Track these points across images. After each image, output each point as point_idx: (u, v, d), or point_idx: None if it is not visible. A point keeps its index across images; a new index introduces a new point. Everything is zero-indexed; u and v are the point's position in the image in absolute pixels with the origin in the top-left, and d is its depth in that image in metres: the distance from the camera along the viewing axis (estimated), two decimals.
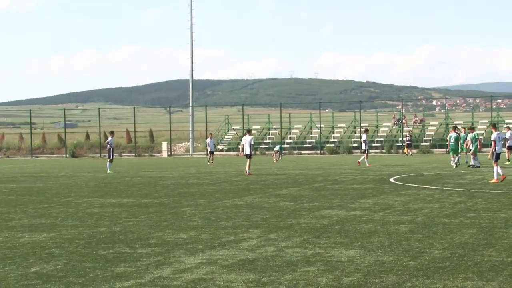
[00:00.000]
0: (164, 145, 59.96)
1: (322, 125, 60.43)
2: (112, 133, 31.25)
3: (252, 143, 27.26)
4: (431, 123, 61.29)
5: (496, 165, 19.40)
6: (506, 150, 31.55)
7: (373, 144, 55.90)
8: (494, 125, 20.65)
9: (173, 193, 18.29)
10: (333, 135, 60.52)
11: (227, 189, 19.22)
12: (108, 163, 30.31)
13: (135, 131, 62.10)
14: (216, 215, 12.90)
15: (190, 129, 63.15)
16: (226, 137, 64.29)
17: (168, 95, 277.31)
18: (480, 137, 32.01)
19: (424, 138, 55.98)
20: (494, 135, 19.86)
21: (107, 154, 30.98)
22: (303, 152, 57.20)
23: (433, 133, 57.01)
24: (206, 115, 60.95)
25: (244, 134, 27.40)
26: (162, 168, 34.09)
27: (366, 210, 13.26)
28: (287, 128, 63.98)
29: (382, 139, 57.45)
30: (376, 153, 53.71)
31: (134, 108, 66.01)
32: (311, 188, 19.00)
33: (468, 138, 29.47)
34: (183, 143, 66.52)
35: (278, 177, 24.69)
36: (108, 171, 29.78)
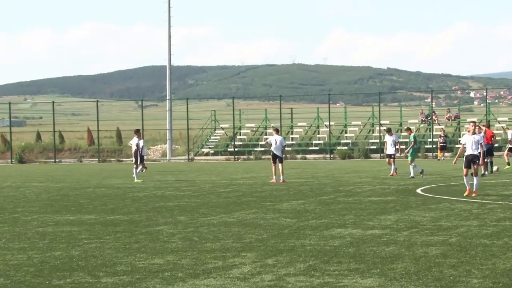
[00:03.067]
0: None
1: (332, 123, 60.54)
2: (138, 132, 30.93)
3: (284, 144, 27.83)
4: (468, 119, 61.42)
5: None
6: (506, 153, 31.91)
7: (396, 147, 55.89)
8: None
9: (146, 207, 18.27)
10: (345, 135, 60.64)
11: (214, 203, 19.21)
12: (134, 169, 30.23)
13: (98, 130, 62.05)
14: (200, 235, 12.89)
15: (168, 128, 63.13)
16: (212, 137, 64.32)
17: (140, 85, 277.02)
18: None
19: (459, 139, 56.06)
20: None
21: (133, 158, 30.69)
22: (308, 156, 57.26)
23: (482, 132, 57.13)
24: (187, 110, 60.96)
25: (271, 134, 27.69)
26: (132, 177, 34.03)
27: (387, 228, 13.28)
28: (288, 126, 64.04)
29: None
30: (398, 157, 53.73)
31: (97, 101, 66.01)
32: (318, 201, 19.00)
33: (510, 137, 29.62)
34: (159, 146, 66.56)
35: (278, 187, 24.66)
36: (136, 180, 29.71)
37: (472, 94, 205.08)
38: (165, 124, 63.77)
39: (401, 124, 61.18)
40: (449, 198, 19.22)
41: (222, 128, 64.87)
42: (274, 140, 27.67)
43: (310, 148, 59.11)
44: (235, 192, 22.97)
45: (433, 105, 62.45)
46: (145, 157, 31.67)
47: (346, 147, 57.18)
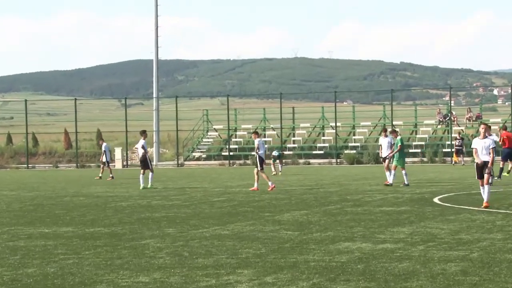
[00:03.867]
0: (118, 152, 59.91)
1: (338, 124, 60.59)
2: (144, 133, 30.94)
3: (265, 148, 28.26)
4: (492, 120, 61.56)
5: None
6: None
7: (411, 150, 56.07)
8: None
9: (130, 219, 18.26)
10: (353, 137, 60.72)
11: (206, 213, 19.20)
12: (141, 175, 30.20)
13: (76, 132, 62.05)
14: (190, 249, 12.89)
15: (155, 129, 63.18)
16: (204, 140, 64.36)
17: (123, 81, 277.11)
18: None
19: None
20: None
21: (141, 164, 30.81)
22: (312, 161, 57.29)
23: (494, 134, 57.13)
24: (176, 110, 60.97)
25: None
26: (115, 184, 34.00)
27: (401, 242, 13.28)
28: (289, 127, 64.08)
29: (422, 142, 57.71)
30: (414, 162, 53.88)
31: (75, 100, 66.02)
32: (323, 212, 19.00)
33: None
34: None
35: (278, 196, 24.66)
36: (149, 185, 29.84)
37: (495, 92, 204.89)
38: (152, 125, 63.81)
39: (415, 125, 61.31)
40: (470, 208, 19.21)
41: (216, 130, 64.92)
42: (257, 143, 28.06)
43: (314, 152, 59.16)
44: (230, 201, 22.95)
45: (452, 104, 62.51)
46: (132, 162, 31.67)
47: (354, 151, 57.23)
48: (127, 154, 60.70)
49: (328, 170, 45.82)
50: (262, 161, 27.93)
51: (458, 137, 50.23)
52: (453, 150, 51.75)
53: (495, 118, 65.14)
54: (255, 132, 29.61)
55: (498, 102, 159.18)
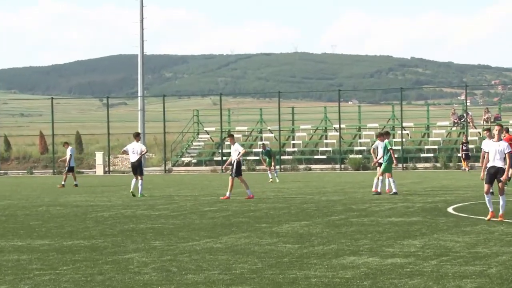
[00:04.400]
0: (99, 157, 59.90)
1: (342, 126, 60.64)
2: (137, 136, 31.19)
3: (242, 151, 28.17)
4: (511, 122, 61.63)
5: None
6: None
7: (422, 155, 56.13)
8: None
9: (112, 230, 18.25)
10: (359, 140, 60.76)
11: (196, 225, 19.20)
12: (133, 181, 30.35)
13: (53, 134, 62.05)
14: (179, 264, 12.88)
15: (140, 131, 63.07)
16: (195, 143, 64.35)
17: (105, 79, 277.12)
18: None
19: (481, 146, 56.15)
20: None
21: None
22: (313, 166, 57.33)
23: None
24: (164, 110, 61.00)
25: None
26: (96, 193, 33.95)
27: (411, 256, 13.29)
28: (288, 130, 64.11)
29: (435, 146, 57.80)
30: (426, 168, 53.91)
31: (52, 99, 65.92)
32: (326, 223, 19.02)
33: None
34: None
35: (276, 205, 24.66)
36: (134, 192, 30.01)
37: None
38: (137, 127, 63.81)
39: (428, 127, 61.37)
40: (493, 216, 19.20)
41: (207, 132, 64.94)
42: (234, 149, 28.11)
43: (316, 156, 59.18)
44: (223, 211, 22.94)
45: (468, 104, 62.57)
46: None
47: (360, 156, 57.27)
48: (109, 159, 60.67)
49: (331, 177, 45.82)
50: (237, 167, 27.88)
51: (464, 141, 50.53)
52: (459, 155, 51.95)
53: None
54: (231, 136, 29.54)
55: None
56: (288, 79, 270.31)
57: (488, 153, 19.13)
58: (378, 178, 28.76)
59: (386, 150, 28.83)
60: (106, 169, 59.78)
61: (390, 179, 28.70)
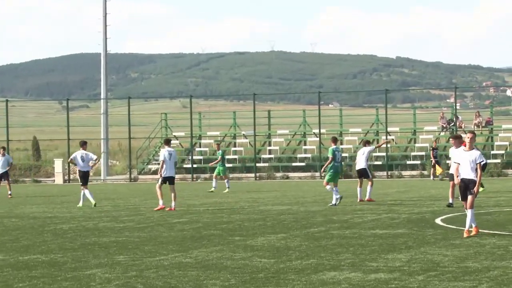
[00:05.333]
0: (58, 164, 59.65)
1: (323, 130, 60.76)
2: (84, 144, 31.38)
3: (176, 159, 28.63)
4: (504, 126, 62.03)
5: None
6: None
7: (408, 162, 56.28)
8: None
9: (72, 244, 18.17)
10: (341, 146, 60.72)
11: (164, 237, 19.15)
12: (83, 192, 30.45)
13: (8, 140, 61.73)
14: (145, 281, 12.84)
15: (103, 137, 63.02)
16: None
17: (64, 79, 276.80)
18: None
19: (492, 152, 56.44)
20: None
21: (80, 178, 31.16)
22: (291, 174, 57.39)
23: (507, 143, 57.59)
24: (129, 113, 60.90)
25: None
26: (55, 203, 33.81)
27: (396, 271, 13.29)
28: (264, 134, 64.13)
29: (423, 153, 57.98)
30: (412, 176, 54.08)
31: (6, 101, 65.65)
32: (304, 235, 19.01)
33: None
34: (90, 161, 66.30)
35: (250, 216, 24.66)
36: (80, 204, 30.16)
37: (509, 92, 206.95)
38: (99, 132, 63.67)
39: (414, 132, 61.60)
40: (479, 230, 19.24)
41: (176, 138, 64.84)
42: (169, 154, 29.08)
43: (294, 164, 59.26)
44: (193, 223, 22.92)
45: (458, 107, 62.90)
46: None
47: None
48: (69, 166, 60.37)
49: (310, 186, 45.88)
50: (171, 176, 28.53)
51: (434, 146, 49.88)
52: (430, 161, 51.00)
53: (508, 123, 65.59)
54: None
55: None
56: (264, 80, 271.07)
57: (459, 164, 18.41)
58: (334, 189, 28.91)
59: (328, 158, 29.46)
60: (66, 177, 59.52)
61: (334, 189, 28.79)
